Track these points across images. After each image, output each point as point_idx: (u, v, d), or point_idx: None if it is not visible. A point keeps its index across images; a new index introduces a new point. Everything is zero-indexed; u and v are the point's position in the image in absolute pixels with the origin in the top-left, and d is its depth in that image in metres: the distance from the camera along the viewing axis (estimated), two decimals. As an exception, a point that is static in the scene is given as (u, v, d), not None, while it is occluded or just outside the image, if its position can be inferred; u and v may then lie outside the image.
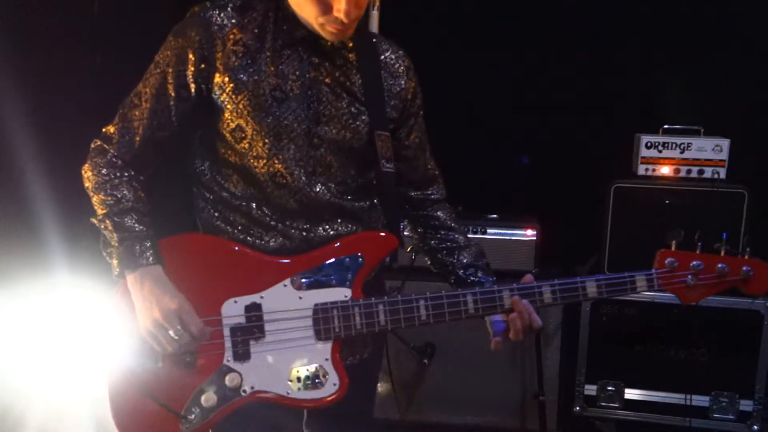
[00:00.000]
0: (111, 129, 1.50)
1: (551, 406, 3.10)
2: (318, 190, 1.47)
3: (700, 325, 3.04)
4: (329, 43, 1.46)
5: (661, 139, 3.18)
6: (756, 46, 3.37)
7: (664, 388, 3.10)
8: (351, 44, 1.51)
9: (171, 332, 1.35)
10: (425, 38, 3.45)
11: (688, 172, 3.16)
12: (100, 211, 1.45)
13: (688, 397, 3.03)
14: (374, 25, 3.30)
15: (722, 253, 1.60)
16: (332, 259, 1.44)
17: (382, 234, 1.50)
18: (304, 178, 1.46)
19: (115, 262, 1.43)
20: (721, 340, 3.04)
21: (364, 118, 1.49)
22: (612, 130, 3.44)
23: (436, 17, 3.53)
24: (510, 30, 3.46)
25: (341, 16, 1.37)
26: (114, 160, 1.47)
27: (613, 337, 3.12)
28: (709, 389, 3.06)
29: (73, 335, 2.53)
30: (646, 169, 3.19)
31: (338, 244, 1.47)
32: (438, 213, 1.67)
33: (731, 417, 3.04)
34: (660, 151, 3.18)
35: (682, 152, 3.17)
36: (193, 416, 1.39)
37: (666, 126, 3.21)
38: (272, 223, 1.46)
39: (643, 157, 3.20)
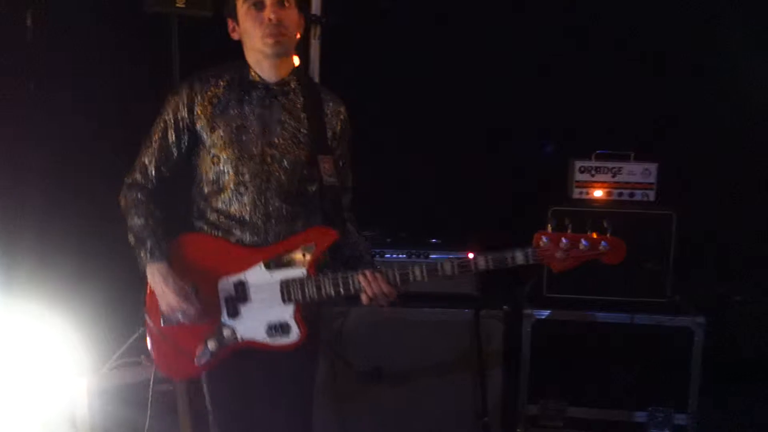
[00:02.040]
0: (134, 168, 2.11)
1: (495, 427, 3.15)
2: (271, 197, 2.05)
3: (636, 343, 3.14)
4: (278, 88, 2.08)
5: (593, 163, 3.32)
6: (684, 74, 3.56)
7: (603, 406, 3.19)
8: (297, 91, 2.11)
9: (179, 315, 2.02)
10: (364, 65, 3.53)
11: (620, 194, 3.29)
12: (128, 226, 2.06)
13: (627, 413, 3.13)
14: (315, 53, 3.37)
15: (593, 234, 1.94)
16: (293, 248, 2.04)
17: (327, 229, 2.06)
18: (263, 188, 2.04)
19: (138, 261, 2.05)
20: (656, 357, 3.16)
21: (304, 144, 2.07)
22: (551, 156, 3.56)
23: (375, 45, 3.60)
24: (448, 56, 3.56)
25: (272, 17, 1.97)
26: (137, 187, 2.09)
27: (555, 357, 3.21)
28: (645, 405, 3.16)
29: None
30: (581, 193, 3.32)
31: (297, 236, 2.05)
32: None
33: (667, 431, 3.15)
34: (593, 175, 3.32)
35: (613, 176, 3.31)
36: (203, 355, 2.04)
37: (598, 151, 3.35)
38: (245, 223, 2.05)
39: (577, 181, 3.33)
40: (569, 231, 1.93)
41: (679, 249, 3.17)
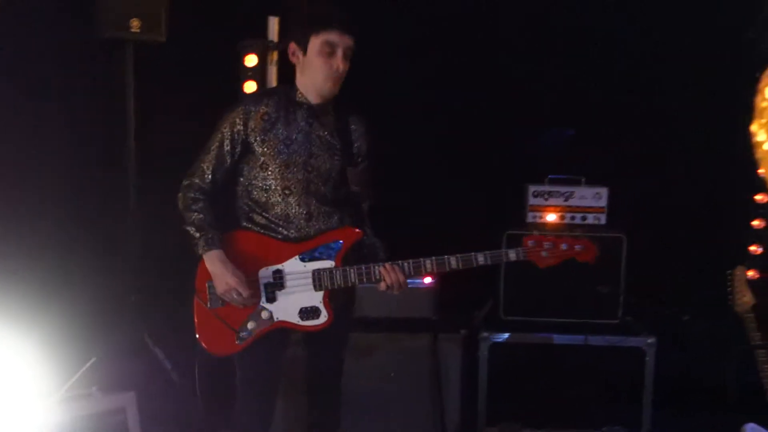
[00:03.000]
0: (192, 172, 2.42)
1: (455, 450, 3.16)
2: (311, 200, 2.38)
3: (590, 364, 3.20)
4: (319, 108, 2.41)
5: (546, 188, 3.40)
6: (634, 101, 3.66)
7: (560, 426, 3.23)
8: (332, 111, 2.43)
9: (233, 294, 2.33)
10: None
11: (572, 218, 3.37)
12: (188, 220, 2.38)
13: (582, 432, 3.18)
14: (272, 79, 3.39)
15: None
16: (324, 243, 2.38)
17: (354, 229, 2.42)
18: (305, 192, 2.38)
19: (198, 248, 2.36)
20: (610, 377, 3.22)
21: (338, 157, 2.41)
22: (504, 180, 3.62)
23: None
24: (408, 85, 3.61)
25: (340, 67, 2.30)
26: (195, 188, 2.40)
27: (512, 379, 3.24)
28: (600, 424, 3.21)
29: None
30: (534, 217, 3.39)
31: (327, 234, 2.39)
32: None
33: (622, 450, 3.20)
34: (546, 200, 3.39)
35: (566, 200, 3.39)
36: (244, 333, 2.36)
37: (551, 176, 3.43)
38: (287, 220, 2.38)
39: (531, 205, 3.40)
40: (553, 236, 2.37)
41: (630, 271, 3.26)
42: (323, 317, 2.35)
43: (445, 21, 3.63)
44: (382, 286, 2.34)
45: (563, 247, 2.34)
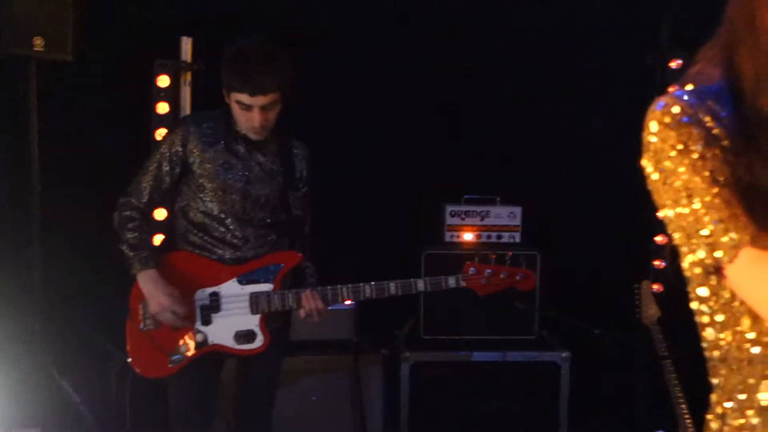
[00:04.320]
0: (129, 190, 2.39)
1: (377, 471, 3.15)
2: (249, 224, 2.37)
3: (509, 379, 3.27)
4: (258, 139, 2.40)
5: (463, 208, 3.46)
6: (543, 121, 3.79)
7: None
8: (274, 136, 2.43)
9: (167, 315, 2.29)
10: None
11: (488, 237, 3.45)
12: (122, 239, 2.33)
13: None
14: (186, 100, 3.32)
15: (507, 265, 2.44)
16: (263, 266, 2.36)
17: (294, 252, 2.43)
18: (242, 216, 2.36)
19: (132, 268, 2.32)
20: (528, 391, 3.29)
21: (279, 182, 2.42)
22: (422, 200, 3.66)
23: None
24: (323, 105, 3.61)
25: (257, 122, 2.32)
26: (131, 207, 2.36)
27: (433, 397, 3.26)
28: (520, 438, 3.28)
29: None
30: (452, 236, 3.44)
31: (267, 257, 2.38)
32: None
33: (540, 463, 3.27)
34: (463, 219, 3.45)
35: (482, 219, 3.46)
36: (177, 356, 2.31)
37: (467, 196, 3.49)
38: (224, 242, 2.36)
39: (448, 225, 3.45)
40: (493, 263, 2.41)
41: (545, 287, 3.35)
42: (259, 341, 2.32)
43: (361, 43, 3.66)
44: (301, 313, 2.33)
45: (503, 275, 2.38)
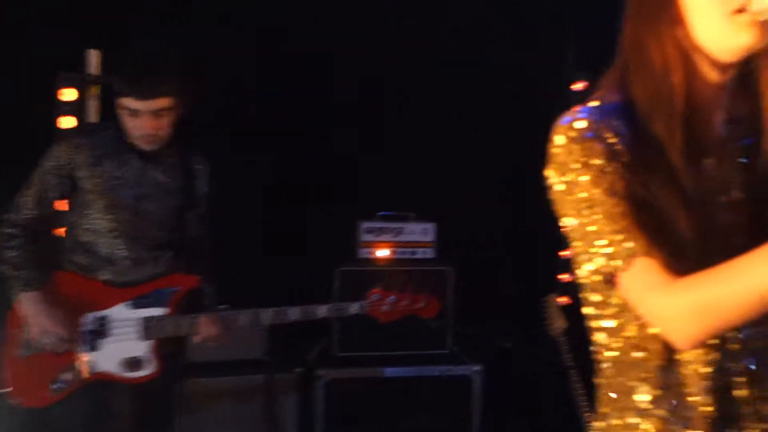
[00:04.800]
0: (11, 206, 2.25)
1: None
2: (140, 244, 2.23)
3: (423, 394, 3.29)
4: (153, 150, 2.25)
5: (377, 224, 3.49)
6: (457, 137, 3.87)
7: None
8: (171, 149, 2.29)
9: (50, 340, 2.16)
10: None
11: (403, 253, 3.48)
12: (2, 258, 2.21)
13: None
14: (93, 113, 3.22)
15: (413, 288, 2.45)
16: (157, 289, 2.23)
17: (190, 275, 2.29)
18: (133, 235, 2.22)
19: (14, 288, 2.20)
20: (441, 405, 3.32)
21: (175, 199, 2.28)
22: (335, 217, 3.66)
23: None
24: (231, 116, 3.57)
25: (144, 130, 2.18)
26: (12, 224, 2.23)
27: (348, 415, 3.25)
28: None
29: None
30: (366, 252, 3.46)
31: (161, 279, 2.24)
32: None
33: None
34: (377, 236, 3.48)
35: (396, 236, 3.49)
36: (59, 384, 2.17)
37: (381, 212, 3.52)
38: (114, 263, 2.22)
39: (363, 242, 3.47)
40: (397, 289, 2.40)
41: (458, 301, 3.41)
42: (149, 368, 2.20)
43: (272, 49, 3.65)
44: (196, 338, 2.23)
45: (405, 302, 2.39)
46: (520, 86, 3.75)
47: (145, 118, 2.14)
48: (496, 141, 3.81)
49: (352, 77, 3.75)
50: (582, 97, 1.23)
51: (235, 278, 2.59)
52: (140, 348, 2.20)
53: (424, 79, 3.82)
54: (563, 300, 3.32)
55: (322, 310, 2.33)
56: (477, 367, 3.35)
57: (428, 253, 3.51)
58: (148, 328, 2.20)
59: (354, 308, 2.36)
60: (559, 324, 3.10)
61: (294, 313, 2.29)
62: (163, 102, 2.13)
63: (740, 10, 1.03)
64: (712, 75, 1.12)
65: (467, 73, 3.86)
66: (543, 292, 3.22)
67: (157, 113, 2.15)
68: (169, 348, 2.27)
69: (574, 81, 3.45)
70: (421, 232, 3.51)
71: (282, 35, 3.68)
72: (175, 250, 2.29)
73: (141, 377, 2.20)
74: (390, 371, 3.30)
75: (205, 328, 2.20)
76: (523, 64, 3.71)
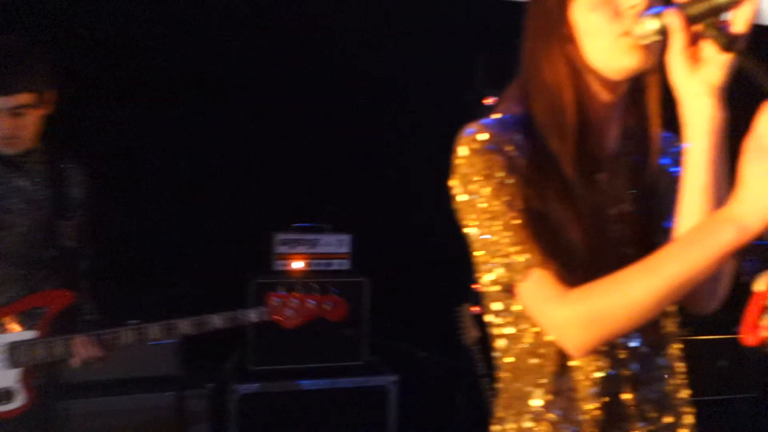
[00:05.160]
0: None
1: None
2: (6, 260, 2.03)
3: (339, 406, 3.28)
4: (17, 157, 2.08)
5: (293, 236, 3.46)
6: (372, 150, 3.89)
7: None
8: (38, 156, 2.12)
9: None
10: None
11: (318, 264, 3.47)
12: None
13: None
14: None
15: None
16: (24, 310, 2.03)
17: (63, 291, 2.08)
18: None
19: None
20: (357, 416, 3.32)
21: (45, 210, 2.09)
22: (250, 229, 3.61)
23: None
24: (136, 129, 3.48)
25: (2, 134, 2.00)
26: None
27: (263, 429, 3.20)
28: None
29: None
30: (281, 265, 3.43)
31: (30, 298, 2.05)
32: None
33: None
34: (292, 247, 3.45)
35: (311, 247, 3.48)
36: None
37: (296, 224, 3.50)
38: None
39: (278, 254, 3.44)
40: (298, 292, 2.25)
41: (374, 312, 3.42)
42: (19, 400, 1.99)
43: (169, 51, 3.59)
44: (75, 361, 2.03)
45: (310, 304, 2.24)
46: (434, 99, 3.81)
47: (2, 117, 1.97)
48: (410, 153, 3.86)
49: (269, 85, 3.73)
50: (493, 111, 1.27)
51: (147, 292, 2.50)
52: (6, 377, 1.99)
53: (339, 91, 3.84)
54: (476, 309, 3.39)
55: (216, 321, 2.16)
56: (393, 378, 3.37)
57: (344, 265, 3.51)
58: (15, 354, 2.00)
59: (253, 315, 2.20)
60: (472, 333, 3.16)
61: (184, 326, 2.12)
62: (21, 99, 1.96)
63: (626, 34, 1.09)
64: (603, 93, 1.17)
65: (382, 86, 3.90)
66: (457, 301, 3.27)
67: (15, 111, 1.98)
68: (45, 375, 2.09)
69: (485, 96, 3.53)
70: (336, 243, 3.51)
71: (194, 36, 3.63)
72: (46, 266, 2.12)
73: (10, 411, 1.98)
74: (306, 384, 3.27)
75: (82, 350, 2.03)
76: (437, 78, 3.78)
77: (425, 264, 3.83)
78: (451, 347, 3.52)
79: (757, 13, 0.98)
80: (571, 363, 1.15)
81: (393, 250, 3.86)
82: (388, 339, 3.59)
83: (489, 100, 3.54)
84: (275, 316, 2.22)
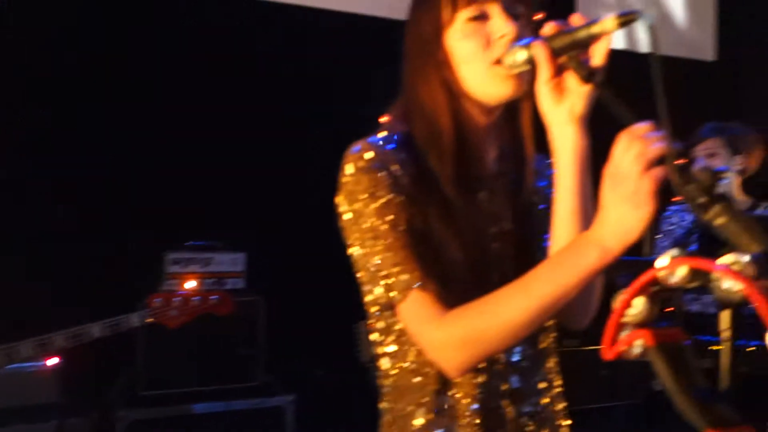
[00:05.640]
0: None
1: None
2: None
3: (236, 429, 3.20)
4: None
5: (185, 255, 3.37)
6: (269, 167, 3.84)
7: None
8: None
9: None
10: None
11: (212, 284, 3.38)
12: None
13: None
14: None
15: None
16: None
17: None
18: None
19: None
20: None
21: None
22: (140, 248, 3.48)
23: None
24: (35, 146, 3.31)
25: None
26: None
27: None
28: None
29: None
30: (174, 284, 3.32)
31: None
32: None
33: None
34: (185, 267, 3.36)
35: (205, 266, 3.40)
36: None
37: (189, 243, 3.41)
38: None
39: (170, 273, 3.33)
40: (183, 291, 2.20)
41: (270, 331, 3.37)
42: None
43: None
44: None
45: (195, 300, 2.21)
46: (330, 114, 3.82)
47: None
48: (306, 168, 3.85)
49: (161, 99, 3.63)
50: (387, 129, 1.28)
51: (34, 312, 2.35)
52: None
53: (232, 106, 3.78)
54: (372, 326, 3.40)
55: (95, 330, 2.08)
56: (289, 398, 3.33)
57: (238, 284, 3.45)
58: None
59: (135, 319, 2.14)
60: (369, 350, 3.16)
61: (60, 340, 2.03)
62: None
63: (498, 62, 1.13)
64: (480, 117, 1.21)
65: (276, 101, 3.88)
66: (353, 318, 3.27)
67: None
68: None
69: (382, 113, 3.57)
70: (230, 262, 3.45)
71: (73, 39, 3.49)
72: None
73: None
74: (199, 407, 3.17)
75: None
76: (332, 92, 3.80)
77: (321, 281, 3.81)
78: (348, 364, 3.52)
79: (609, 50, 1.05)
80: (451, 380, 1.17)
81: (289, 268, 3.82)
82: (285, 358, 3.54)
83: (385, 117, 3.58)
84: (159, 318, 2.16)
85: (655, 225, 2.99)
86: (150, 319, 2.14)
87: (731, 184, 3.01)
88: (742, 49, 5.12)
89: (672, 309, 2.48)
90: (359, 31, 3.98)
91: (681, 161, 0.89)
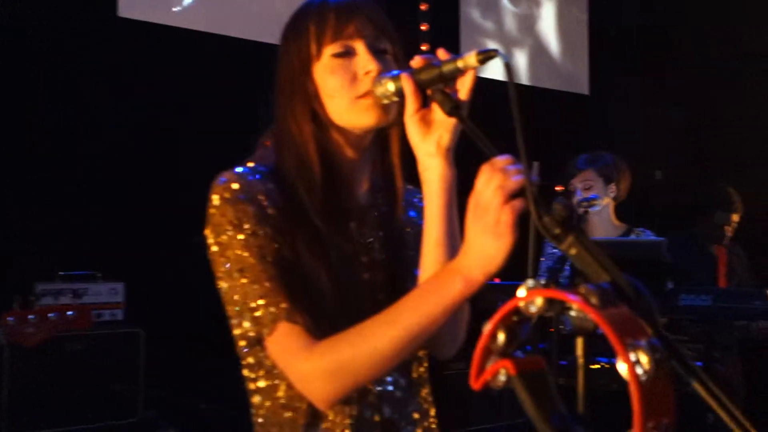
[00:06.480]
0: None
1: None
2: None
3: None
4: None
5: (57, 285, 3.18)
6: (134, 198, 3.71)
7: None
8: None
9: None
10: None
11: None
12: None
13: None
14: None
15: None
16: None
17: None
18: None
19: None
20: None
21: None
22: (7, 278, 3.26)
23: None
24: None
25: None
26: None
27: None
28: None
29: None
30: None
31: None
32: None
33: None
34: (56, 298, 3.17)
35: (79, 297, 3.22)
36: None
37: (62, 272, 3.23)
38: None
39: (40, 306, 3.11)
40: (37, 307, 2.12)
41: (150, 364, 3.22)
42: None
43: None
44: None
45: (52, 317, 2.10)
46: (214, 142, 3.75)
47: None
48: (187, 197, 3.75)
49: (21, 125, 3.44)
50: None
51: None
52: None
53: (102, 133, 3.65)
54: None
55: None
56: (170, 432, 3.19)
57: (117, 315, 3.29)
58: None
59: None
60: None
61: None
62: None
63: (365, 95, 1.15)
64: (348, 148, 1.22)
65: (155, 128, 3.77)
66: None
67: None
68: None
69: (267, 140, 3.53)
70: (108, 292, 3.29)
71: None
72: None
73: None
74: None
75: None
76: (218, 120, 3.74)
77: (205, 312, 3.70)
78: (233, 398, 3.41)
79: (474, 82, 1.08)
80: (322, 414, 1.15)
81: (171, 299, 3.69)
82: (166, 391, 3.40)
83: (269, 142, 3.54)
84: (15, 337, 2.04)
85: (539, 248, 3.10)
86: (5, 340, 2.05)
87: (606, 210, 3.18)
88: (611, 83, 5.47)
89: (552, 330, 2.57)
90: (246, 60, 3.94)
91: (537, 194, 0.92)
